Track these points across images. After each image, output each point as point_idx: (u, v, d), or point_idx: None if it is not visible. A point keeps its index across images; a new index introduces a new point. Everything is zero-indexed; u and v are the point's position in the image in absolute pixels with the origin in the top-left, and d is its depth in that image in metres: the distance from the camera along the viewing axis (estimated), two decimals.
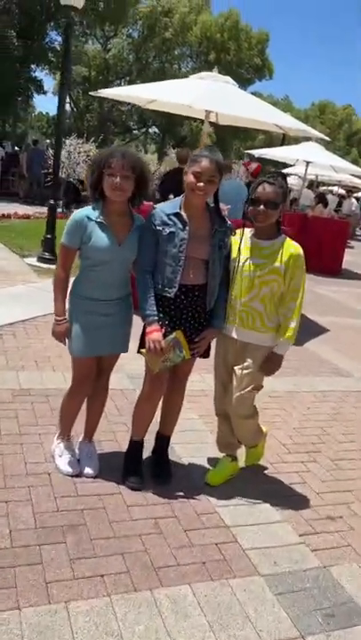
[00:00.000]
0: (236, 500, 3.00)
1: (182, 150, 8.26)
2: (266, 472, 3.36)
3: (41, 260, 7.99)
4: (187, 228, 2.70)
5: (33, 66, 24.36)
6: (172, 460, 3.23)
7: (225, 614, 2.21)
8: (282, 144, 17.11)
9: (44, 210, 8.62)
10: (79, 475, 2.94)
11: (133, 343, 2.92)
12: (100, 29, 30.28)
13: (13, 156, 17.96)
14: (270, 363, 2.89)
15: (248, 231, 2.87)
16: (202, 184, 2.63)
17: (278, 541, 2.70)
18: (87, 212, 2.70)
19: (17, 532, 2.44)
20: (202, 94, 5.83)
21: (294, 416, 4.25)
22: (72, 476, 2.92)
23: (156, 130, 38.02)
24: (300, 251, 2.80)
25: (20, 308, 5.72)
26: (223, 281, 2.87)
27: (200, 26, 32.70)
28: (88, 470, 2.95)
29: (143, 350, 2.78)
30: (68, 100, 29.59)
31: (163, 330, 2.74)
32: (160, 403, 3.04)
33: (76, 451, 3.06)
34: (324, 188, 23.16)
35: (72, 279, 2.82)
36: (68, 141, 14.89)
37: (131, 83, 28.27)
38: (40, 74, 28.02)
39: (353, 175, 17.19)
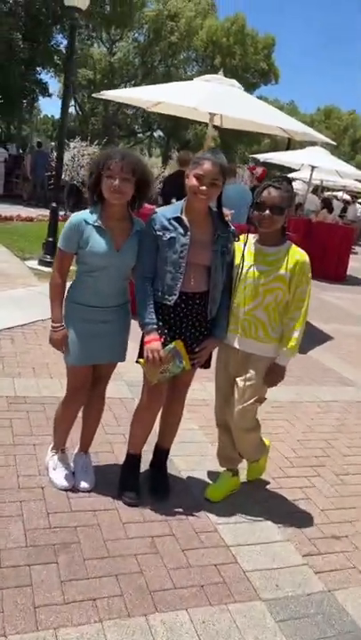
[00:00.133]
0: (236, 517, 2.88)
1: (183, 153, 8.17)
2: (268, 487, 3.24)
3: (42, 263, 7.91)
4: (188, 233, 2.59)
5: (38, 68, 24.32)
6: (170, 473, 3.11)
7: None
8: (287, 149, 17.00)
9: (48, 212, 8.54)
10: (74, 489, 2.83)
11: (132, 350, 2.80)
12: (106, 33, 30.26)
13: (17, 158, 17.92)
14: (273, 374, 2.78)
15: (252, 237, 2.75)
16: (204, 187, 2.52)
17: (281, 562, 2.58)
18: (85, 215, 2.59)
19: (6, 552, 2.32)
20: (207, 97, 5.73)
21: (298, 427, 4.13)
22: (66, 490, 2.81)
23: (161, 133, 37.99)
24: (306, 258, 2.68)
25: (19, 312, 5.61)
26: (226, 288, 2.75)
27: (206, 30, 32.66)
28: (83, 484, 2.83)
29: (141, 360, 2.67)
30: (72, 102, 29.66)
31: (162, 339, 2.63)
32: (159, 414, 2.92)
33: (71, 463, 2.94)
34: (329, 193, 23.03)
35: (68, 283, 2.71)
36: (72, 144, 14.82)
37: (136, 86, 28.25)
38: (45, 76, 28.05)
39: (358, 180, 17.06)
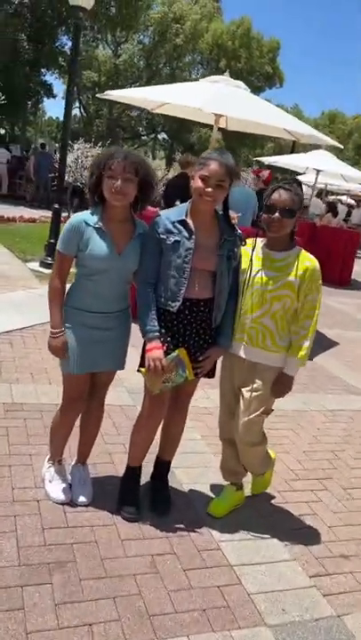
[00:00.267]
0: (240, 533, 2.75)
1: (184, 156, 8.07)
2: (273, 501, 3.11)
3: (43, 265, 7.81)
4: (193, 236, 2.47)
5: (43, 70, 24.34)
6: (172, 486, 2.98)
7: None
8: (291, 152, 16.91)
9: (50, 214, 8.44)
10: (71, 502, 2.70)
11: (134, 356, 2.69)
12: (111, 35, 30.25)
13: (21, 159, 17.85)
14: (280, 384, 2.65)
15: (260, 241, 2.63)
16: (210, 189, 2.40)
17: (287, 584, 2.45)
18: (85, 216, 2.47)
19: None
20: (212, 97, 5.62)
21: (303, 438, 4.00)
22: (63, 504, 2.68)
23: (165, 136, 37.94)
24: (317, 264, 2.56)
25: (19, 316, 5.50)
26: (231, 295, 2.63)
27: (211, 33, 32.64)
28: (81, 499, 2.71)
29: (143, 369, 2.54)
30: (77, 104, 29.62)
31: (164, 347, 2.51)
32: (160, 425, 2.80)
33: (68, 476, 2.82)
34: (333, 197, 22.92)
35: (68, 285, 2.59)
36: (75, 146, 14.73)
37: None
38: (50, 78, 28.03)
39: None
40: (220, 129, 6.83)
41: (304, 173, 15.09)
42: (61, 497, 2.69)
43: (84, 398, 2.71)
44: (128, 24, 25.95)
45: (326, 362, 5.93)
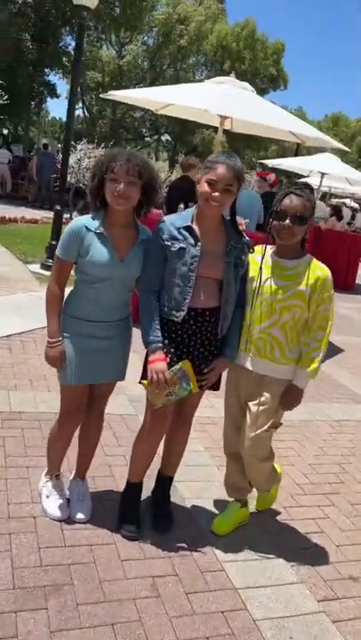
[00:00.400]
0: (245, 553, 2.64)
1: (186, 158, 7.96)
2: (279, 518, 3.00)
3: (44, 267, 7.71)
4: (199, 243, 2.36)
5: (47, 70, 24.26)
6: (173, 501, 2.87)
7: None
8: (295, 155, 16.80)
9: (52, 214, 8.35)
10: (69, 519, 2.59)
11: (136, 363, 2.58)
12: (115, 35, 30.18)
13: (23, 159, 17.76)
14: (289, 396, 2.53)
15: (269, 248, 2.51)
16: (217, 194, 2.28)
17: (294, 609, 2.33)
18: (86, 221, 2.36)
19: None
20: (218, 99, 5.51)
21: (309, 450, 3.88)
22: (60, 521, 2.57)
23: (169, 137, 37.86)
24: (329, 274, 2.44)
25: (18, 319, 5.39)
26: (238, 304, 2.52)
27: (216, 34, 32.54)
28: (79, 516, 2.59)
29: (145, 382, 2.43)
30: (80, 105, 29.54)
31: (168, 359, 2.40)
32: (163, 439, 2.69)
33: (66, 491, 2.71)
34: (337, 200, 22.78)
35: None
36: (78, 147, 14.64)
37: None
38: (54, 78, 27.96)
39: None
40: (224, 131, 6.73)
41: (308, 176, 14.98)
42: (58, 514, 2.57)
43: (83, 410, 2.60)
44: (132, 25, 25.87)
45: (331, 369, 5.81)
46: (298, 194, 2.32)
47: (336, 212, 12.90)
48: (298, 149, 19.29)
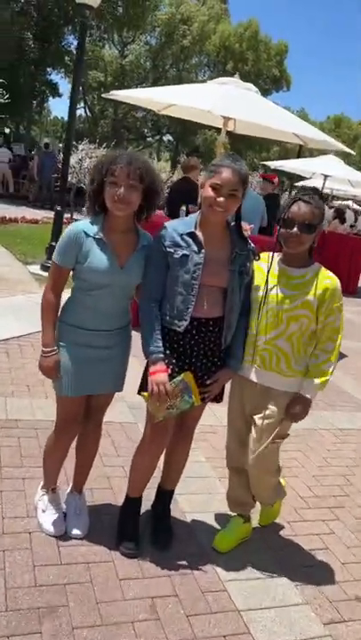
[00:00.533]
0: (247, 571, 2.54)
1: (187, 159, 7.86)
2: (282, 533, 2.90)
3: (44, 268, 7.62)
4: (202, 250, 2.26)
5: (49, 69, 24.19)
6: (174, 515, 2.77)
7: None
8: (298, 156, 16.69)
9: (53, 214, 8.26)
10: (65, 534, 2.50)
11: (134, 366, 2.48)
12: (118, 35, 30.11)
13: (25, 158, 17.67)
14: (297, 407, 2.42)
15: (276, 255, 2.42)
16: (222, 199, 2.19)
17: (299, 633, 2.23)
18: (84, 225, 2.26)
19: None
20: (222, 100, 5.41)
21: (313, 460, 3.79)
22: (56, 537, 2.48)
23: (170, 138, 37.78)
24: (338, 283, 2.35)
25: (17, 322, 5.30)
26: (242, 313, 2.42)
27: (219, 35, 32.48)
28: (75, 531, 2.50)
29: (145, 394, 2.33)
30: (82, 104, 29.46)
31: (169, 370, 2.30)
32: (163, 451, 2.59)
33: (63, 505, 2.61)
34: (339, 202, 22.69)
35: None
36: (80, 146, 14.56)
37: None
38: (56, 77, 27.88)
39: None
40: (227, 132, 6.63)
41: (310, 178, 14.89)
42: (54, 530, 2.47)
43: (80, 420, 2.50)
44: (135, 24, 25.78)
45: (334, 375, 5.68)
46: (306, 201, 2.23)
47: (339, 214, 12.80)
48: (300, 151, 19.19)
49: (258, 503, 2.81)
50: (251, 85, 6.09)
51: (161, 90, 7.25)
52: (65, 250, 2.26)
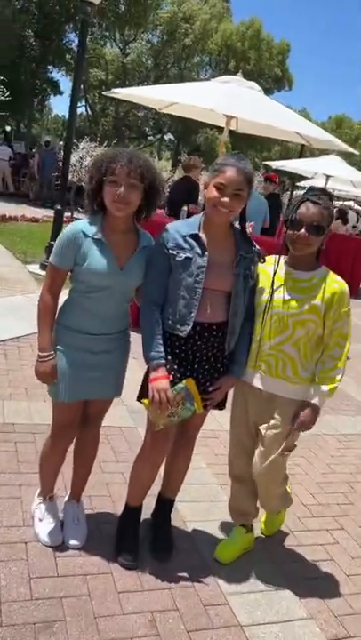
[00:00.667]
0: (250, 583, 2.47)
1: (188, 158, 7.79)
2: (286, 543, 2.82)
3: (44, 267, 7.53)
4: (206, 253, 2.19)
5: (50, 67, 24.11)
6: (174, 524, 2.70)
7: None
8: (300, 156, 16.58)
9: (53, 213, 8.18)
10: (62, 544, 2.42)
11: (133, 368, 2.40)
12: (120, 33, 30.02)
13: (25, 156, 17.58)
14: (305, 416, 2.33)
15: (282, 258, 2.34)
16: (226, 199, 2.11)
17: None
18: (82, 226, 2.18)
19: None
20: (224, 98, 5.34)
21: (316, 467, 3.71)
22: (53, 547, 2.40)
23: (172, 137, 37.69)
24: (346, 287, 2.28)
25: (15, 322, 5.22)
26: (247, 318, 2.34)
27: (221, 33, 32.39)
28: (73, 542, 2.42)
29: (145, 401, 2.26)
30: (83, 103, 29.36)
31: (170, 376, 2.22)
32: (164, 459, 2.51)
33: (60, 513, 2.53)
34: (340, 203, 22.60)
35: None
36: (80, 145, 14.47)
37: None
38: (57, 75, 27.79)
39: None
40: (228, 131, 6.56)
41: (312, 178, 14.81)
42: (51, 540, 2.39)
43: (76, 426, 2.42)
44: (137, 22, 25.70)
45: None
46: (315, 201, 2.14)
47: (341, 215, 12.71)
48: (302, 151, 19.12)
49: (260, 513, 2.74)
50: (253, 84, 6.02)
51: (163, 88, 7.18)
52: (62, 251, 2.19)
